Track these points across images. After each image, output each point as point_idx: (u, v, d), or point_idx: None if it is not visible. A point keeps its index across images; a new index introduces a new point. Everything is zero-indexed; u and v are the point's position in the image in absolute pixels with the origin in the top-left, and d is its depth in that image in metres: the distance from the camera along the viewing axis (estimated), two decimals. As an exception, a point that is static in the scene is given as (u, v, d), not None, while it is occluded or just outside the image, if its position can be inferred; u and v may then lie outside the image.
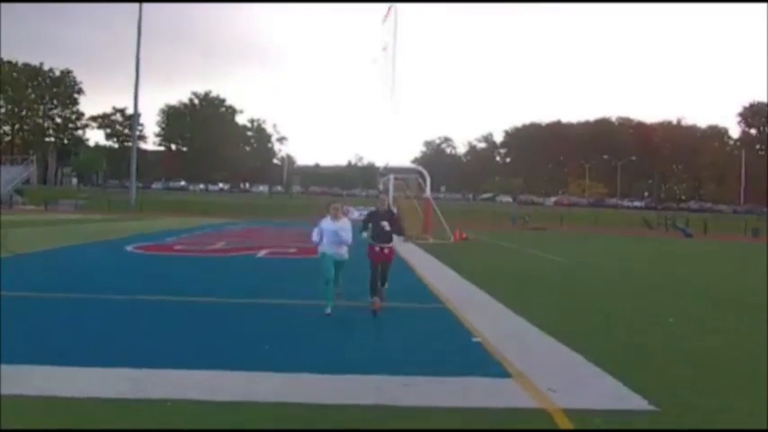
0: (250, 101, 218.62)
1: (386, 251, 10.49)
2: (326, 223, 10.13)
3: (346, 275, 10.65)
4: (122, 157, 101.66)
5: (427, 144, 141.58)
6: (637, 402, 6.00)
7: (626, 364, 7.45)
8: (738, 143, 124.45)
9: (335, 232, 10.03)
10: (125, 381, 6.01)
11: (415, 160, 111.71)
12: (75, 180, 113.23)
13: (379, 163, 73.40)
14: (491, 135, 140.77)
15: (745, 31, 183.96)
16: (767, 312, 11.90)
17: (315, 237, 10.19)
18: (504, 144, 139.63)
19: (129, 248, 21.03)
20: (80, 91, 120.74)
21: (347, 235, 10.08)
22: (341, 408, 5.49)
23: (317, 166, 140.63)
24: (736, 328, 10.43)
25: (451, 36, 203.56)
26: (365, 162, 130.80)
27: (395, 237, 10.78)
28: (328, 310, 9.79)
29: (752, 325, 10.86)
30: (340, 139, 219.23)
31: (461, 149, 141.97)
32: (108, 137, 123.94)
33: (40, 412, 5.15)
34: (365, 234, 10.61)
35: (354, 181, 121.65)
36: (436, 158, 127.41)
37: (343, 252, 10.21)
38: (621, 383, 6.57)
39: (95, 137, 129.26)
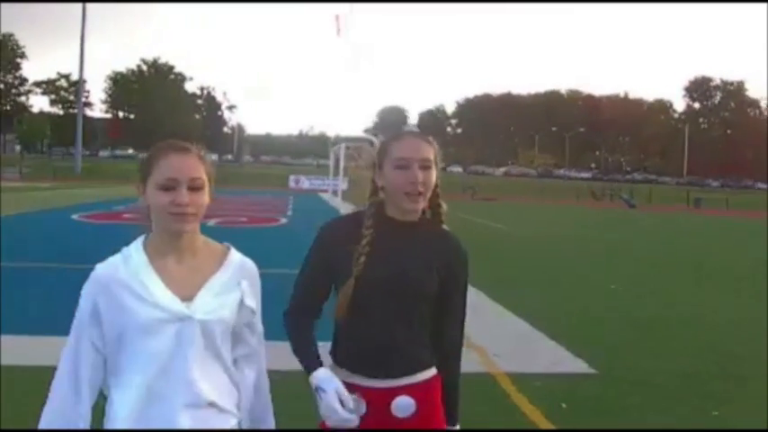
0: (200, 68, 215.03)
1: None
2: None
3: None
4: (68, 125, 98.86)
5: (380, 114, 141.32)
6: (578, 366, 6.23)
7: (569, 330, 7.70)
8: (683, 116, 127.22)
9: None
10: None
11: (368, 130, 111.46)
12: (18, 147, 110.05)
13: (331, 132, 73.25)
14: (442, 106, 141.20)
15: (691, 8, 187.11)
16: (705, 278, 12.36)
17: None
18: (455, 115, 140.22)
19: (75, 217, 20.67)
20: (23, 55, 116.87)
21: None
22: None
23: (267, 135, 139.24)
24: (675, 294, 10.81)
25: (406, 6, 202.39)
26: (317, 131, 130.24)
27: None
28: None
29: (691, 290, 11.29)
30: (291, 108, 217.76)
31: (413, 120, 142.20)
32: (53, 103, 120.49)
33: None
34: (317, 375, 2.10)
35: (306, 150, 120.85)
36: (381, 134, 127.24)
37: None
38: (564, 348, 6.81)
39: (39, 103, 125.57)
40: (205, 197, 1.88)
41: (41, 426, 1.84)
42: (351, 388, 2.08)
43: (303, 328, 2.19)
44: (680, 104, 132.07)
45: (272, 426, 2.10)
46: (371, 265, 2.09)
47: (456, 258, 2.23)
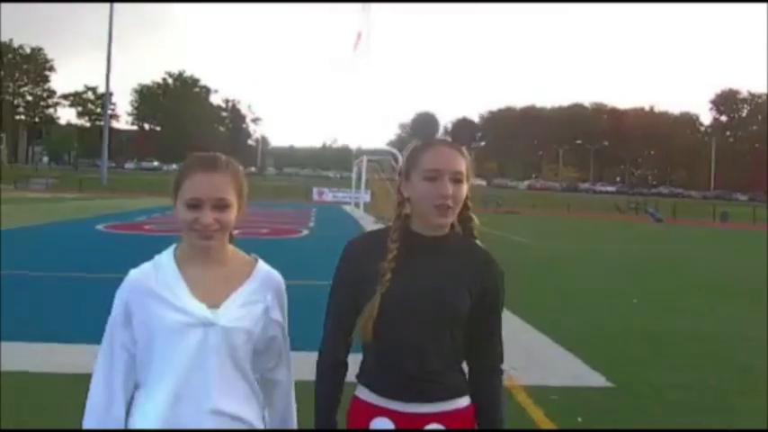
0: (225, 80, 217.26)
1: None
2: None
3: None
4: (94, 137, 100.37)
5: (402, 127, 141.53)
6: (595, 380, 6.21)
7: (588, 343, 7.66)
8: (709, 130, 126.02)
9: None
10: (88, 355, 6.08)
11: (390, 143, 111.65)
12: (46, 159, 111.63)
13: (354, 145, 73.50)
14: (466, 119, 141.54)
15: (717, 20, 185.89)
16: (729, 294, 12.22)
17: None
18: (478, 128, 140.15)
19: (99, 227, 20.95)
20: (51, 68, 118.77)
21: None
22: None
23: (291, 147, 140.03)
24: (697, 310, 10.69)
25: (428, 19, 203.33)
26: (339, 144, 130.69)
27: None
28: None
29: (714, 305, 11.17)
30: (315, 120, 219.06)
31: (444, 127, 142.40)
32: (80, 115, 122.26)
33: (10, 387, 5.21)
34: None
35: (329, 162, 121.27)
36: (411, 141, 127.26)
37: None
38: (582, 362, 6.78)
39: (67, 115, 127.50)
40: (231, 215, 1.90)
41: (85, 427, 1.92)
42: (380, 411, 2.02)
43: (336, 387, 2.11)
44: (706, 118, 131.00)
45: None
46: (397, 283, 1.96)
47: (488, 274, 2.08)
